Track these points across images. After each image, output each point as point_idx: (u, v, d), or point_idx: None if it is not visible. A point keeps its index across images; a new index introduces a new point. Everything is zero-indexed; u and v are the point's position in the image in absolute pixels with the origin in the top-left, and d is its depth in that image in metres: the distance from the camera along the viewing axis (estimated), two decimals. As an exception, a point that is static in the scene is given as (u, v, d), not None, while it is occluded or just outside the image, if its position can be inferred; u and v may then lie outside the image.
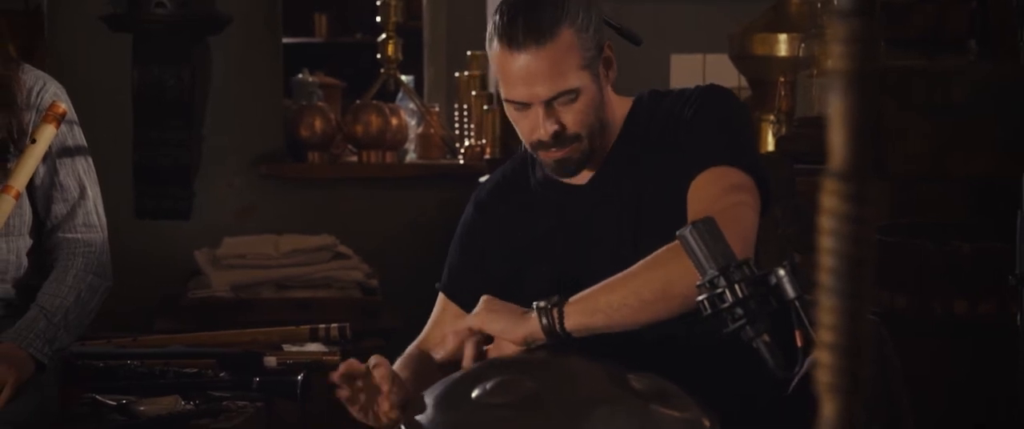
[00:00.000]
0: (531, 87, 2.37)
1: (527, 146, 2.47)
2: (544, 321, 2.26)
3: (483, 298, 2.34)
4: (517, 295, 2.47)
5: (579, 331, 2.26)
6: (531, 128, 2.41)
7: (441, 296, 2.62)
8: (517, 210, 2.56)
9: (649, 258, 2.27)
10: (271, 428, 3.07)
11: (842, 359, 0.92)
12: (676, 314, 2.25)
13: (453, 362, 2.34)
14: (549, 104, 2.38)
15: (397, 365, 2.47)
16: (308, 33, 7.42)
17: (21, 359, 2.77)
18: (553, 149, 2.42)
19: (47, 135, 2.83)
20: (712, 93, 2.49)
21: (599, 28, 2.42)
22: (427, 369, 2.46)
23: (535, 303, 2.27)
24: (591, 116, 2.41)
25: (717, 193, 2.35)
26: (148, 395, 3.00)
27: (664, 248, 2.25)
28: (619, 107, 2.51)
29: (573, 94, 2.38)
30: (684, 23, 5.45)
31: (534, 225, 2.54)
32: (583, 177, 2.50)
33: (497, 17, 2.39)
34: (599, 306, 2.26)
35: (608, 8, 2.91)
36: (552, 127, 2.39)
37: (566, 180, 2.50)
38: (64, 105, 2.86)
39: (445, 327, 2.54)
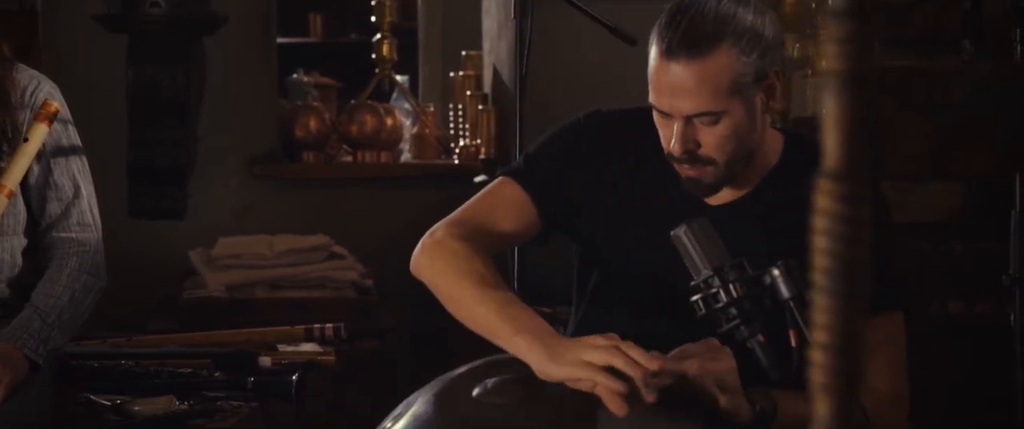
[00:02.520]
0: (674, 99, 2.22)
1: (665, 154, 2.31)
2: (758, 409, 2.13)
3: (731, 369, 2.12)
4: (585, 244, 2.42)
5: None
6: (668, 139, 2.27)
7: (510, 185, 2.41)
8: (645, 169, 2.39)
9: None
10: (266, 428, 3.07)
11: (836, 359, 0.92)
12: None
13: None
14: (689, 120, 2.23)
15: (468, 253, 2.28)
16: (303, 33, 7.41)
17: (16, 359, 2.77)
18: (685, 165, 2.28)
19: (40, 134, 2.82)
20: (885, 209, 2.41)
21: (769, 55, 2.24)
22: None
23: (758, 404, 2.13)
24: (732, 143, 2.25)
25: (891, 356, 2.32)
26: (143, 395, 3.00)
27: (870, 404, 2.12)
28: (771, 139, 2.37)
29: (715, 116, 2.22)
30: (680, 23, 5.44)
31: (649, 199, 2.39)
32: (718, 197, 2.36)
33: (663, 16, 2.25)
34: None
35: (603, 8, 2.88)
36: (686, 145, 2.24)
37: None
38: (57, 103, 2.86)
39: (510, 223, 2.37)
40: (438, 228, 2.35)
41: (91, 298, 2.94)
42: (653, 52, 2.24)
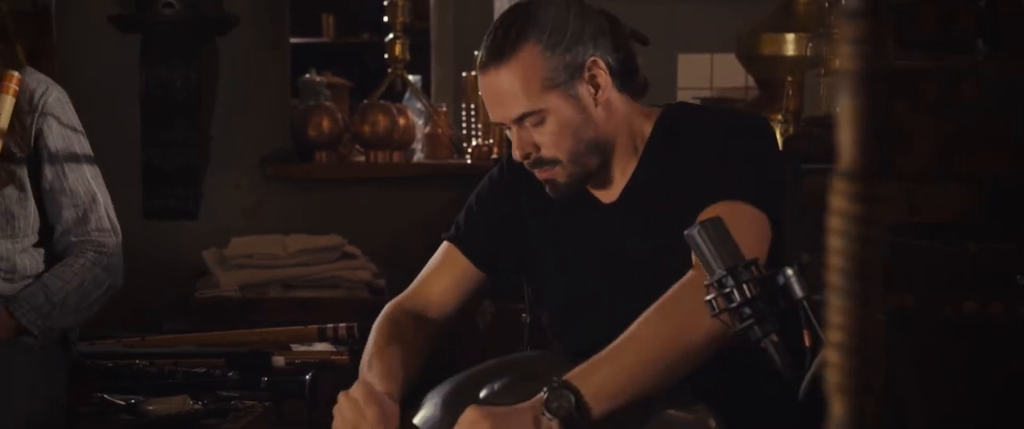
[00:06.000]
0: (498, 108, 2.33)
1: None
2: (561, 418, 2.11)
3: (478, 412, 2.14)
4: (530, 282, 2.50)
5: (607, 415, 2.14)
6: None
7: (448, 247, 2.54)
8: (549, 197, 2.46)
9: (650, 314, 2.14)
10: (279, 428, 3.07)
11: (851, 359, 0.92)
12: (701, 360, 2.14)
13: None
14: (521, 125, 2.32)
15: (383, 336, 2.41)
16: (316, 33, 7.42)
17: (4, 317, 2.84)
18: (536, 170, 2.36)
19: (7, 106, 2.86)
20: (752, 125, 2.40)
21: (579, 46, 2.31)
22: (416, 345, 2.42)
23: (545, 409, 2.11)
24: (567, 139, 2.31)
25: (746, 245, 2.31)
26: (157, 395, 3.00)
27: (658, 302, 2.15)
28: (642, 122, 2.41)
29: (538, 115, 2.30)
30: (691, 23, 5.44)
31: (561, 220, 2.46)
32: (611, 194, 2.43)
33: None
34: (621, 385, 2.13)
35: (612, 8, 2.88)
36: (524, 148, 2.33)
37: (595, 194, 2.43)
38: (18, 75, 2.88)
39: (446, 280, 2.51)
40: (388, 304, 2.50)
41: (101, 292, 2.96)
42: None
